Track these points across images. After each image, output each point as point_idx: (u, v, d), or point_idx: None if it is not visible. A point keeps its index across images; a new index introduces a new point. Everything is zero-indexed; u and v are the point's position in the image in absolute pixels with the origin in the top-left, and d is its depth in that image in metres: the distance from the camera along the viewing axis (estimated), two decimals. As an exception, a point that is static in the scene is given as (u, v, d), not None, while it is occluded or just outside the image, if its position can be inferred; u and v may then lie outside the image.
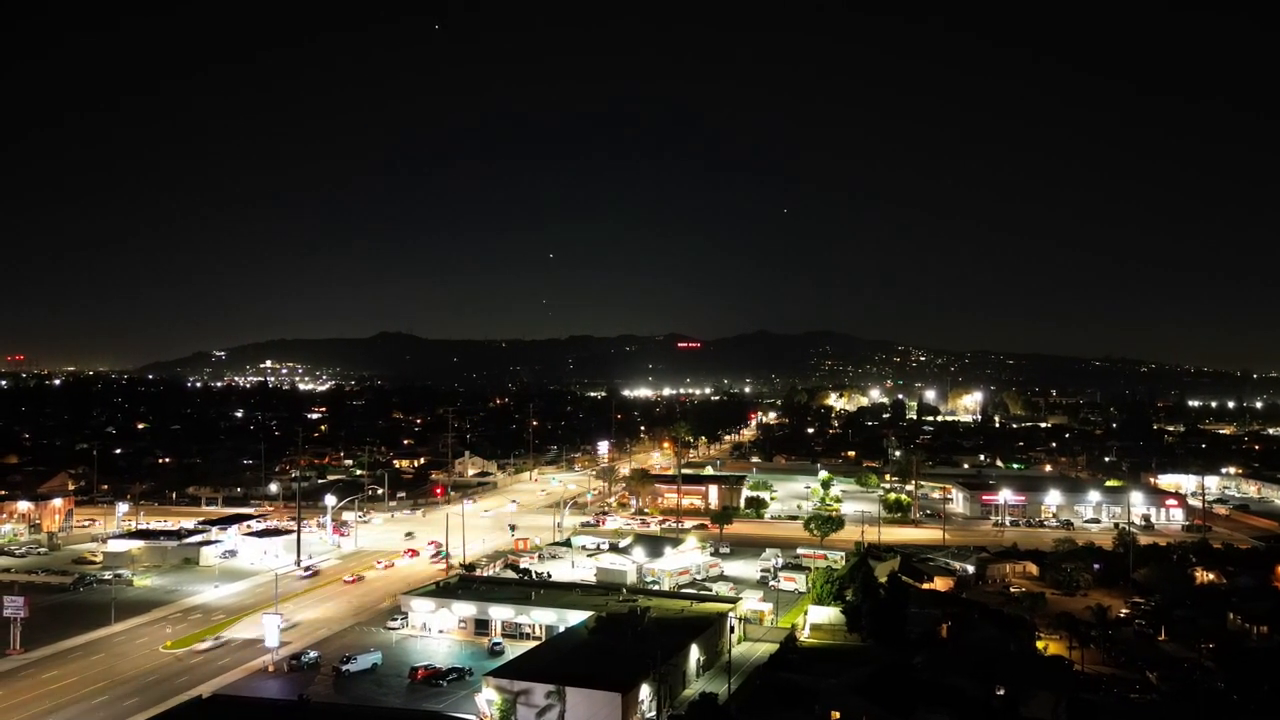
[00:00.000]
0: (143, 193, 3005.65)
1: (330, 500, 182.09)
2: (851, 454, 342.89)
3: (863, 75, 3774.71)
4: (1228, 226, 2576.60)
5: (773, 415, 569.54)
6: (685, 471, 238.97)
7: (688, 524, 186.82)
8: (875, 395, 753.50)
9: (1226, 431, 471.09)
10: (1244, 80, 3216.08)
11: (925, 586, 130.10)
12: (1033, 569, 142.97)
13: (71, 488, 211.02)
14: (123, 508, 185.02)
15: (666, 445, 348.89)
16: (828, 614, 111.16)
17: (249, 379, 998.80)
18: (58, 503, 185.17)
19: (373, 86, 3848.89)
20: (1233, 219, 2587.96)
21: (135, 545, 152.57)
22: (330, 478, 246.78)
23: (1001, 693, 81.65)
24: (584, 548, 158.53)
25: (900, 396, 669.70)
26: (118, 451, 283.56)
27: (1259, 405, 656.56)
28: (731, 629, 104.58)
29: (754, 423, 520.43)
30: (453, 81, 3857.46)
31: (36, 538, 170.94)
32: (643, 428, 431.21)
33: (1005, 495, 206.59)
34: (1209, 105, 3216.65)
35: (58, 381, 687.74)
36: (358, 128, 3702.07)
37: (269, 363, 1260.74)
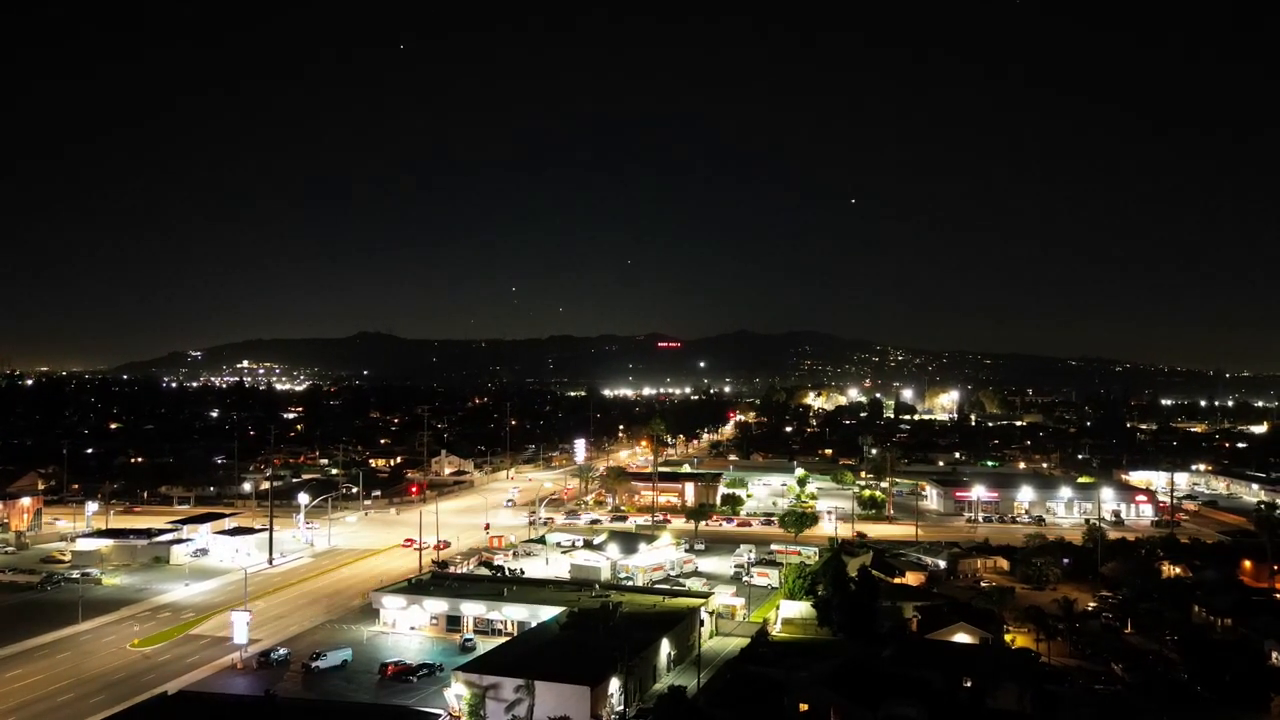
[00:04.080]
0: (119, 194, 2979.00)
1: (303, 499, 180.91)
2: (828, 452, 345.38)
3: (839, 80, 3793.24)
4: (1201, 229, 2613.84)
5: (752, 414, 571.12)
6: (662, 469, 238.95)
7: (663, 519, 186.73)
8: (854, 394, 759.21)
9: (1198, 429, 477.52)
10: (1209, 94, 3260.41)
11: (896, 581, 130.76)
12: (1003, 564, 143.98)
13: (41, 487, 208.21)
14: (92, 506, 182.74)
15: (644, 443, 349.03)
16: (799, 608, 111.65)
17: (225, 379, 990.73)
18: (26, 501, 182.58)
19: (352, 89, 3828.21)
20: (1206, 221, 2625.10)
21: (104, 544, 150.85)
22: (305, 477, 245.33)
23: (969, 685, 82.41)
24: (559, 545, 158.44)
25: (878, 395, 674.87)
26: (89, 451, 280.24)
27: (1230, 404, 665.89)
28: (703, 623, 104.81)
29: (733, 422, 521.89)
30: (431, 84, 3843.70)
31: (4, 536, 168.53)
32: (621, 427, 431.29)
33: (979, 492, 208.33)
34: (1176, 117, 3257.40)
35: (29, 381, 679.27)
36: (336, 131, 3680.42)
37: (246, 363, 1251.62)
